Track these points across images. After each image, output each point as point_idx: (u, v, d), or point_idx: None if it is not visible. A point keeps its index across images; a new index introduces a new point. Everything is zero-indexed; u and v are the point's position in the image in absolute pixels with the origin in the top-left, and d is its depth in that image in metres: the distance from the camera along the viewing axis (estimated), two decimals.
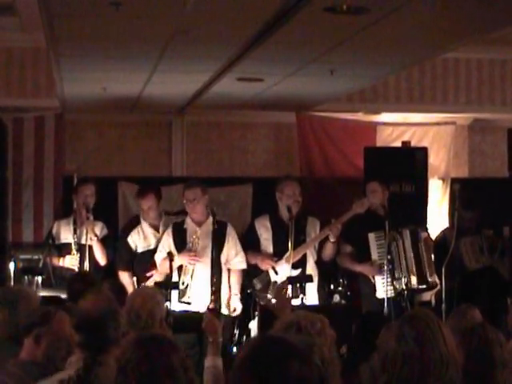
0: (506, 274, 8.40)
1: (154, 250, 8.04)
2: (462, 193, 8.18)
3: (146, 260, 8.09)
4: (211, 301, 7.52)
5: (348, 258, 8.13)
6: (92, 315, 4.06)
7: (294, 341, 2.57)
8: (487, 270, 8.41)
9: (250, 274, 8.04)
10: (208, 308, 7.23)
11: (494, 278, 8.40)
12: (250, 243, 8.08)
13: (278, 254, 7.92)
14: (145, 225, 8.30)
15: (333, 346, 3.43)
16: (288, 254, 7.76)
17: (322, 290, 8.11)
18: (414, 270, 7.89)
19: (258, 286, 7.96)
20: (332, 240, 7.89)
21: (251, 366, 2.43)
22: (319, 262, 8.09)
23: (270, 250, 8.03)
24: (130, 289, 7.45)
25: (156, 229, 8.27)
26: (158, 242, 8.07)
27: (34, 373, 4.04)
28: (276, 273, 7.88)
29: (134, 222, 8.45)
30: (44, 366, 4.16)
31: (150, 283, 7.70)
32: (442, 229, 8.88)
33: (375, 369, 3.63)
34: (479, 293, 8.17)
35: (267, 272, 7.95)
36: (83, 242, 8.18)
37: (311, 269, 7.99)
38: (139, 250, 8.24)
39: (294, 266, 7.86)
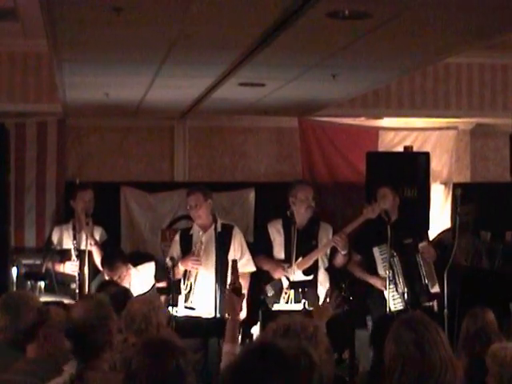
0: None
1: None
2: (464, 197, 8.16)
3: None
4: (232, 280, 7.47)
5: (359, 267, 8.10)
6: (78, 322, 4.09)
7: (284, 347, 2.53)
8: (489, 275, 8.41)
9: (263, 280, 8.00)
10: (229, 285, 7.22)
11: (496, 282, 8.40)
12: (262, 247, 8.05)
13: (290, 259, 7.88)
14: None
15: (326, 351, 3.38)
16: (298, 260, 7.77)
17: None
18: (416, 287, 7.85)
19: (271, 292, 7.91)
20: (343, 252, 7.86)
21: (237, 378, 2.41)
22: (330, 269, 8.06)
23: (282, 254, 7.99)
24: None
25: None
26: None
27: (47, 367, 4.08)
28: (288, 279, 7.84)
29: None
30: (55, 360, 4.21)
31: None
32: (439, 232, 8.90)
33: None
34: (481, 298, 8.16)
35: (280, 279, 7.90)
36: (83, 247, 8.18)
37: (323, 275, 7.98)
38: None
39: (306, 273, 7.85)
